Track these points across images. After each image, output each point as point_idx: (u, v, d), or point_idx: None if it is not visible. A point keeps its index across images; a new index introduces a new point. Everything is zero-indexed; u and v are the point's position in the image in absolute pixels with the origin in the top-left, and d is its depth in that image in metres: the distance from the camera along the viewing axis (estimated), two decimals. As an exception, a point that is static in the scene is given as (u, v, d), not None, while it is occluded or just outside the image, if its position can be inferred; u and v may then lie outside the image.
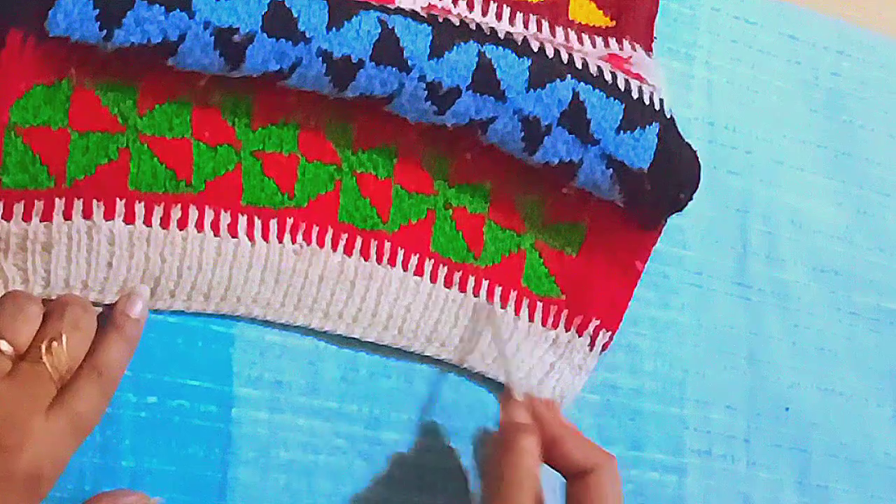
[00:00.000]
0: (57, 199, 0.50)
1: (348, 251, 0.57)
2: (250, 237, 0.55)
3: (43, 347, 0.48)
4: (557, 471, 0.56)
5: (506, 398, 0.58)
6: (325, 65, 0.51)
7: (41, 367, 0.48)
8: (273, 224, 0.55)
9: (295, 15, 0.50)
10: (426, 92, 0.53)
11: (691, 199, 0.61)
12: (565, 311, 0.63)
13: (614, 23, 0.64)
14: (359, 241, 0.57)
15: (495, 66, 0.54)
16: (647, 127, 0.58)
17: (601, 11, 0.64)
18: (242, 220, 0.54)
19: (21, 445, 0.46)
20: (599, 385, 0.65)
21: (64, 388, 0.48)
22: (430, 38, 0.53)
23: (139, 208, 0.52)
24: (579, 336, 0.63)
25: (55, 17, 0.47)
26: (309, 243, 0.56)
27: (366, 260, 0.57)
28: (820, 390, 0.72)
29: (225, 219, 0.54)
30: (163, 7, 0.48)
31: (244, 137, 0.54)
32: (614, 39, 0.64)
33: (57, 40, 0.47)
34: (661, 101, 0.59)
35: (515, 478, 0.53)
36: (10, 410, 0.46)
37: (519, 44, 0.56)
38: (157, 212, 0.52)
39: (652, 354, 0.67)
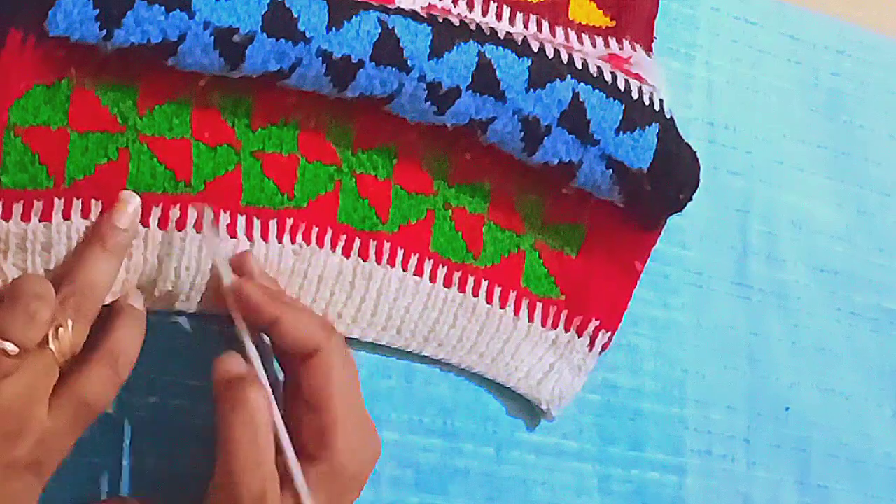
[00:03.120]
0: (56, 199, 0.50)
1: (347, 251, 0.57)
2: (249, 237, 0.54)
3: (50, 334, 0.48)
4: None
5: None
6: (325, 65, 0.51)
7: (47, 353, 0.47)
8: (272, 224, 0.55)
9: (295, 15, 0.50)
10: (426, 92, 0.53)
11: (691, 199, 0.61)
12: (565, 312, 0.63)
13: (614, 23, 0.64)
14: (358, 241, 0.57)
15: (495, 66, 0.54)
16: (647, 127, 0.58)
17: (601, 11, 0.64)
18: (242, 221, 0.54)
19: (22, 432, 0.46)
20: (599, 385, 0.65)
21: (70, 371, 0.48)
22: (430, 38, 0.53)
23: (138, 208, 0.52)
24: (579, 336, 0.63)
25: (55, 16, 0.46)
26: (308, 244, 0.56)
27: (365, 260, 0.57)
28: (820, 390, 0.72)
29: (224, 219, 0.54)
30: (163, 7, 0.47)
31: (244, 138, 0.54)
32: (614, 39, 0.64)
33: (57, 40, 0.47)
34: (661, 101, 0.59)
35: (248, 437, 0.49)
36: (12, 396, 0.46)
37: (519, 44, 0.56)
38: (156, 212, 0.52)
39: (652, 354, 0.67)
